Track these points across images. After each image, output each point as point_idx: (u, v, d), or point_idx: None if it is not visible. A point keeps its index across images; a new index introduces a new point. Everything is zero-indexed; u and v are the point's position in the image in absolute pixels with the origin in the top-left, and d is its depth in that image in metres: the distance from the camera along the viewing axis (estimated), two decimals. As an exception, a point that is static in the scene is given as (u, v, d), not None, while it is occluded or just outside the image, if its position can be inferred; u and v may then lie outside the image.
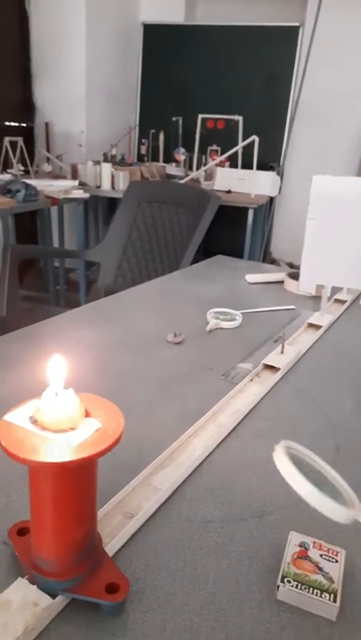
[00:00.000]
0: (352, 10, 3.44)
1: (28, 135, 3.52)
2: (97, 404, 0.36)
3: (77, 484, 0.34)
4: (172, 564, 0.41)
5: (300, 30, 3.54)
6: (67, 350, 0.80)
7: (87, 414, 0.35)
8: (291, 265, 3.64)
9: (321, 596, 0.37)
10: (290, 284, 1.19)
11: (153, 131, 3.79)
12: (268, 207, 3.50)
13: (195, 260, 1.52)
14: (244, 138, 3.00)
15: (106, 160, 3.23)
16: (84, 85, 3.46)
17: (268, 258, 3.89)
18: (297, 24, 3.54)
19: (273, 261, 3.86)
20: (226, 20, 3.67)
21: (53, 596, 0.36)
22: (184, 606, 0.38)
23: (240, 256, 2.83)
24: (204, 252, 1.75)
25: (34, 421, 0.34)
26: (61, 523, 0.35)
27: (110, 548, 0.41)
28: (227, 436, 0.60)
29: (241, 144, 3.01)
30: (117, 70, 3.75)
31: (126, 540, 0.43)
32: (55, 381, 0.34)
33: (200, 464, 0.54)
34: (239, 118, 3.20)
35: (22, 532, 0.41)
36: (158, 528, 0.45)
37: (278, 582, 0.39)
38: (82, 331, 0.89)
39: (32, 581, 0.37)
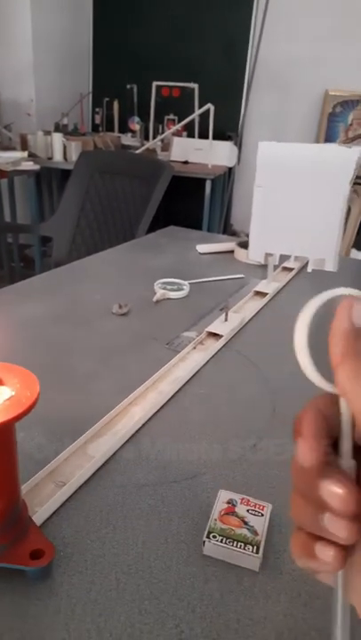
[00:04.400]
0: (307, -27, 3.38)
1: (-26, 103, 3.34)
2: (12, 373, 0.35)
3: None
4: (103, 528, 0.42)
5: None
6: (6, 324, 0.78)
7: (1, 383, 0.34)
8: (247, 237, 3.65)
9: (244, 549, 0.39)
10: (240, 254, 1.19)
11: (107, 99, 3.66)
12: (227, 178, 3.47)
13: (151, 232, 1.50)
14: (201, 106, 2.94)
15: (57, 130, 3.10)
16: (31, 50, 3.28)
17: (228, 230, 3.89)
18: (252, -13, 3.45)
19: (233, 233, 3.86)
20: (179, -19, 3.53)
21: (-24, 566, 0.36)
22: (112, 567, 0.38)
23: (199, 228, 2.81)
24: (163, 225, 1.73)
25: None
26: (-22, 493, 0.34)
27: (39, 516, 0.41)
28: (166, 403, 0.60)
29: (196, 112, 2.95)
30: (67, 35, 3.57)
31: (57, 508, 0.43)
32: None
33: (137, 431, 0.54)
34: (195, 86, 3.13)
35: None
36: (91, 495, 0.45)
37: (204, 538, 0.40)
38: (25, 304, 0.86)
39: None
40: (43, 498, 0.43)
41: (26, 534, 0.38)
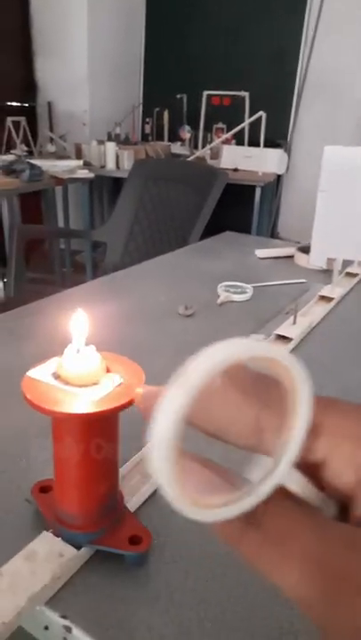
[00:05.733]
0: (361, -21, 3.34)
1: (31, 115, 3.49)
2: (118, 362, 0.37)
3: (100, 437, 0.35)
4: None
5: (308, 0, 3.44)
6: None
7: (108, 371, 0.36)
8: (299, 244, 3.61)
9: None
10: (300, 258, 1.18)
11: (157, 109, 3.74)
12: (275, 185, 3.46)
13: (202, 239, 1.52)
14: (251, 114, 2.96)
15: (110, 139, 3.19)
16: (86, 63, 3.40)
17: (275, 237, 3.86)
18: (304, -5, 3.45)
19: (281, 241, 3.83)
20: (231, -9, 3.57)
21: (78, 547, 0.37)
22: (206, 557, 0.38)
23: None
24: (212, 231, 1.74)
25: (57, 377, 0.34)
26: (85, 476, 0.36)
27: (132, 504, 0.42)
28: (241, 403, 0.60)
29: (248, 120, 2.97)
30: (120, 47, 3.68)
31: (146, 498, 0.44)
32: (77, 337, 0.34)
33: (216, 428, 0.55)
34: (245, 94, 3.14)
35: (45, 489, 0.42)
36: (177, 487, 0.46)
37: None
38: (92, 304, 0.88)
39: (56, 534, 0.37)
40: (132, 488, 0.44)
41: (123, 520, 0.39)
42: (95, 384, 0.34)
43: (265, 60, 3.61)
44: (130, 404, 0.33)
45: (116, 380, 0.34)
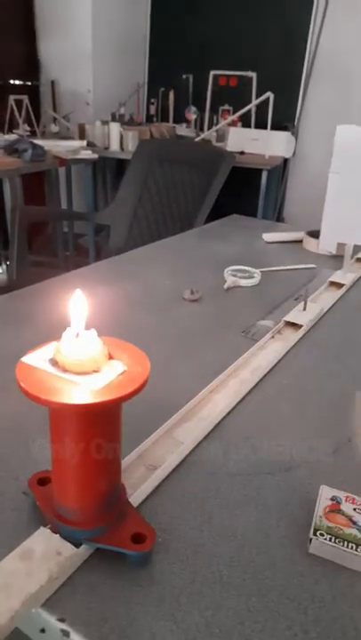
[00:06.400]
0: None
1: (34, 94, 3.41)
2: (121, 348, 0.34)
3: (101, 430, 0.32)
4: (199, 515, 0.40)
5: (319, -22, 3.33)
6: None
7: (110, 357, 0.33)
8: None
9: (357, 550, 0.36)
10: (309, 243, 1.15)
11: (162, 89, 3.65)
12: (281, 169, 3.38)
13: (208, 223, 1.47)
14: (258, 96, 2.88)
15: (114, 120, 3.12)
16: (90, 41, 3.30)
17: (281, 222, 3.80)
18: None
19: (285, 227, 3.77)
20: (240, -33, 3.45)
21: (77, 545, 0.34)
22: (213, 558, 0.36)
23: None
24: (216, 215, 1.69)
25: (54, 363, 0.31)
26: (85, 470, 0.33)
27: (134, 499, 0.39)
28: (249, 392, 0.57)
29: (255, 101, 2.89)
30: (125, 24, 3.57)
31: (150, 492, 0.41)
32: (76, 321, 0.31)
33: (223, 418, 0.52)
34: (253, 75, 3.05)
35: (43, 481, 0.39)
36: (182, 481, 0.43)
37: (311, 535, 0.37)
38: (95, 288, 0.86)
39: (55, 530, 0.35)
40: (135, 481, 0.42)
41: (125, 517, 0.36)
42: (96, 372, 0.31)
43: (273, 40, 3.50)
44: (134, 393, 0.30)
45: (118, 367, 0.31)
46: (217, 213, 1.69)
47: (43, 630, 0.32)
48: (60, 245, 3.01)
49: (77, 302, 0.32)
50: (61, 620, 0.31)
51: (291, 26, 3.44)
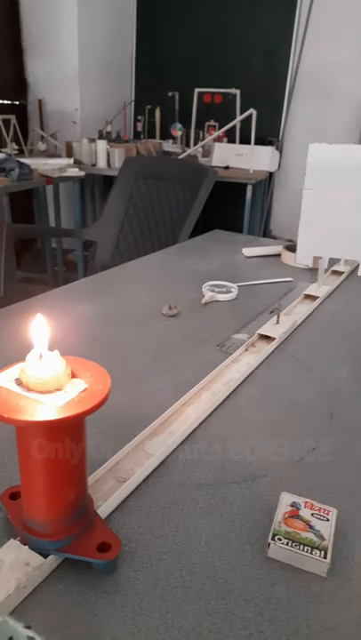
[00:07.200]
0: (352, -24, 3.32)
1: (22, 113, 3.46)
2: (83, 367, 0.36)
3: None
4: (165, 525, 0.42)
5: (299, -2, 3.43)
6: (60, 324, 0.80)
7: (74, 376, 0.35)
8: (291, 242, 3.60)
9: (311, 553, 0.38)
10: (287, 257, 1.18)
11: (149, 106, 3.72)
12: (267, 183, 3.45)
13: (192, 237, 1.51)
14: (242, 112, 2.94)
15: (101, 137, 3.17)
16: (77, 61, 3.37)
17: (268, 235, 3.85)
18: (295, -8, 3.43)
19: (273, 239, 3.82)
20: (222, -12, 3.55)
21: (45, 556, 0.36)
22: (176, 565, 0.38)
23: (239, 233, 2.80)
24: (203, 229, 1.73)
25: (19, 383, 0.33)
26: (51, 484, 0.35)
27: (102, 510, 0.41)
28: (221, 404, 0.59)
29: (239, 118, 2.95)
30: (111, 44, 3.65)
31: (119, 504, 0.43)
32: (39, 342, 0.34)
33: (193, 431, 0.54)
34: (236, 92, 3.13)
35: (14, 496, 0.41)
36: (151, 492, 0.45)
37: (269, 540, 0.39)
38: (76, 305, 0.88)
39: (24, 542, 0.37)
40: (105, 493, 0.44)
41: (92, 527, 0.38)
42: (59, 390, 0.33)
43: (256, 57, 3.60)
44: (95, 409, 0.32)
45: (80, 385, 0.34)
46: (205, 227, 1.72)
47: (11, 638, 0.34)
48: (48, 261, 3.04)
49: (39, 326, 0.34)
50: (28, 627, 0.33)
51: (273, 44, 3.54)
